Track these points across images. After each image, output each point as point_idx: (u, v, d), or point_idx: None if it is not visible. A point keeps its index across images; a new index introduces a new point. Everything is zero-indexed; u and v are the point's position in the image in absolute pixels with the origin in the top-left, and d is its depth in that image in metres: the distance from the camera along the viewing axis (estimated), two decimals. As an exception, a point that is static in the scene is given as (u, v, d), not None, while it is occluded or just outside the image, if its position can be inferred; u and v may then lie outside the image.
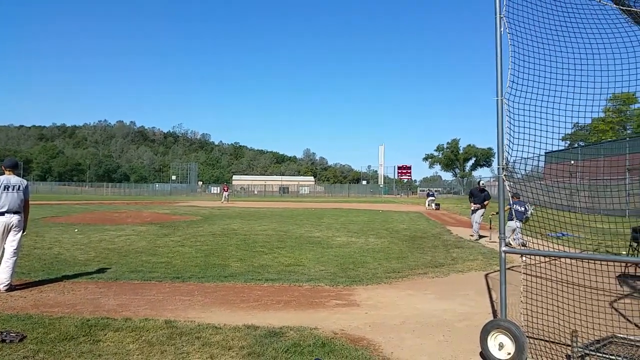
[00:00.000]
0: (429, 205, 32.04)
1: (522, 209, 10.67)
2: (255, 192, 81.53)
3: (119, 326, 4.66)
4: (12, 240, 6.41)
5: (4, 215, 6.32)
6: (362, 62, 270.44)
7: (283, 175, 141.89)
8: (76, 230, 13.95)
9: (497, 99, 3.98)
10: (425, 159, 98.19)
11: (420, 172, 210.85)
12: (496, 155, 4.09)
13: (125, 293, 6.18)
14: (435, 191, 48.45)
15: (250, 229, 14.95)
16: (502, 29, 3.96)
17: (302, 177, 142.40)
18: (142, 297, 5.97)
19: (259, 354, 3.95)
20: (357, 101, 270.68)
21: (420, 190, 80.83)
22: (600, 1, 3.94)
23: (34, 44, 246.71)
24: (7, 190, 6.36)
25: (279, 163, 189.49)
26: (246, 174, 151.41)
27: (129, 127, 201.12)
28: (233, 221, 18.04)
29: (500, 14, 3.98)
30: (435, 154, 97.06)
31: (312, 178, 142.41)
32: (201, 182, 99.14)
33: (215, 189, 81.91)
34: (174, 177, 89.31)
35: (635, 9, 3.93)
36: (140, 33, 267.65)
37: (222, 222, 17.32)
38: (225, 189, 44.56)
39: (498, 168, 4.03)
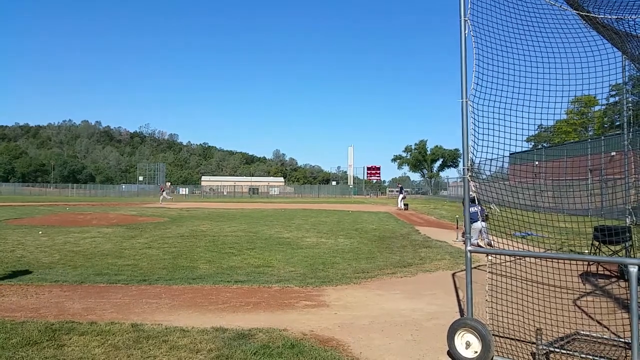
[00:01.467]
0: (401, 203, 31.57)
1: (477, 209, 10.89)
2: (225, 193, 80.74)
3: (84, 330, 4.55)
4: None
5: None
6: (333, 63, 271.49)
7: (252, 176, 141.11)
8: (40, 232, 13.55)
9: (462, 101, 4.05)
10: (394, 159, 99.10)
11: (389, 172, 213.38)
12: (462, 156, 4.16)
13: (90, 296, 6.04)
14: (405, 191, 49.01)
15: (220, 230, 14.81)
16: (466, 32, 4.03)
17: (272, 177, 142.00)
18: (108, 300, 5.85)
19: (227, 356, 3.92)
20: (326, 102, 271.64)
21: (389, 191, 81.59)
22: (560, 6, 4.07)
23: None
24: None
25: (248, 164, 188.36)
26: (215, 175, 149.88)
27: (95, 127, 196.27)
28: (202, 222, 17.83)
29: (464, 17, 4.04)
30: (404, 154, 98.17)
31: (282, 179, 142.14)
32: (169, 183, 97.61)
33: (184, 190, 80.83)
34: (141, 178, 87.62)
35: (593, 14, 4.08)
36: (107, 30, 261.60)
37: (190, 224, 17.10)
38: (162, 188, 42.85)
39: (463, 169, 4.10)
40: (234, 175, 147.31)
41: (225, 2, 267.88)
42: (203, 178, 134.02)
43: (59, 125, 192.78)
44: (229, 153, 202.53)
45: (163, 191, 40.95)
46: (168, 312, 5.34)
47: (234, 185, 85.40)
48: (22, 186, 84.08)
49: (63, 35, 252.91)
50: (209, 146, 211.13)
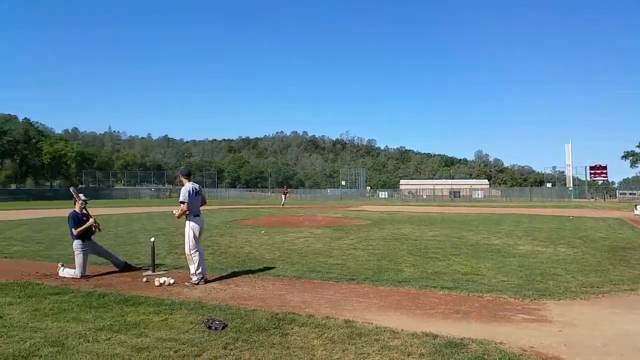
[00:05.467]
0: (638, 208, 26.64)
1: None
2: (424, 197, 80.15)
3: (303, 322, 4.97)
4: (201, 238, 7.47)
5: (198, 216, 7.28)
6: (542, 56, 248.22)
7: (453, 178, 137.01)
8: (262, 231, 15.36)
9: None
10: (625, 156, 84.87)
11: (619, 172, 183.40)
12: None
13: (307, 291, 6.57)
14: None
15: (422, 234, 14.73)
16: None
17: (474, 180, 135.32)
18: (322, 296, 6.28)
19: (439, 362, 3.83)
20: (535, 96, 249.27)
21: (621, 193, 70.27)
22: None
23: (223, 64, 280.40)
24: (197, 195, 7.32)
25: (448, 166, 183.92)
26: (414, 178, 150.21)
27: (302, 136, 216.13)
28: (403, 226, 17.99)
29: None
30: (638, 150, 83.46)
31: (486, 181, 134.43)
32: (369, 187, 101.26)
33: (383, 194, 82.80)
34: (343, 183, 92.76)
35: None
36: (317, 45, 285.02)
37: (391, 227, 17.41)
38: (285, 191, 42.34)
39: None
40: (432, 178, 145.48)
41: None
42: (401, 182, 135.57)
43: (273, 136, 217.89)
44: (426, 156, 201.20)
45: (286, 194, 41.61)
46: (377, 312, 5.48)
47: (434, 189, 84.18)
48: (245, 191, 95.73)
49: (286, 58, 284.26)
50: (406, 150, 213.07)
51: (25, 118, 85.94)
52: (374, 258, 9.65)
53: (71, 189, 8.34)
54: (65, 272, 7.66)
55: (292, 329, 4.75)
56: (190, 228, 7.25)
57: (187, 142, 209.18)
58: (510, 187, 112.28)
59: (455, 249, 11.14)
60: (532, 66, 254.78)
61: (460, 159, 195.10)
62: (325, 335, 4.54)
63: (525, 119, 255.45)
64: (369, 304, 5.84)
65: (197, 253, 7.14)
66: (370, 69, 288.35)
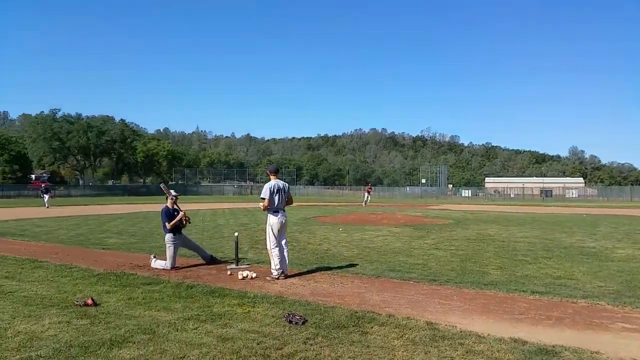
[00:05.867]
0: None
1: None
2: (512, 196, 76.34)
3: (383, 321, 4.88)
4: (284, 234, 7.51)
5: (278, 212, 7.38)
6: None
7: (544, 176, 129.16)
8: (340, 229, 15.40)
9: None
10: None
11: None
12: None
13: (386, 290, 6.46)
14: None
15: (509, 235, 14.01)
16: None
17: (568, 178, 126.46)
18: (403, 296, 6.14)
19: (530, 372, 3.58)
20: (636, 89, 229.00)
21: None
22: None
23: (302, 63, 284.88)
24: (279, 192, 7.41)
25: (538, 163, 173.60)
26: (500, 176, 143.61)
27: (381, 133, 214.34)
28: (488, 226, 17.24)
29: None
30: None
31: (581, 179, 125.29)
32: (451, 185, 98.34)
33: (466, 192, 79.99)
34: (423, 180, 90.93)
35: None
36: (395, 39, 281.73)
37: (476, 227, 16.74)
38: (369, 190, 40.52)
39: None
40: (521, 176, 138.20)
41: None
42: (487, 179, 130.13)
43: (351, 134, 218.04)
44: (515, 152, 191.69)
45: (369, 192, 40.02)
46: (461, 315, 5.26)
47: (523, 187, 79.93)
48: (323, 188, 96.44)
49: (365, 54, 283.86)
50: (493, 146, 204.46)
51: (121, 119, 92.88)
52: (457, 259, 9.32)
53: (161, 185, 8.84)
54: (157, 264, 8.14)
55: (372, 327, 4.68)
56: (269, 224, 7.41)
57: (268, 140, 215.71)
58: (608, 185, 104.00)
59: (546, 251, 10.47)
60: (632, 57, 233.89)
61: (552, 156, 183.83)
62: (406, 336, 4.43)
63: (625, 112, 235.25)
64: (452, 307, 5.63)
65: (277, 248, 7.27)
66: (453, 61, 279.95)
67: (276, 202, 7.37)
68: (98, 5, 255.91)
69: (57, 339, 4.25)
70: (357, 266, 8.36)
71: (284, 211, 7.53)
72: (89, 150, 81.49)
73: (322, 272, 7.80)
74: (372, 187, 42.36)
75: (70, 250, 10.19)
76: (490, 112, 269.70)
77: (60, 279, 6.99)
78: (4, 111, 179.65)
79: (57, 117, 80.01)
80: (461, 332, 4.57)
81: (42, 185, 32.41)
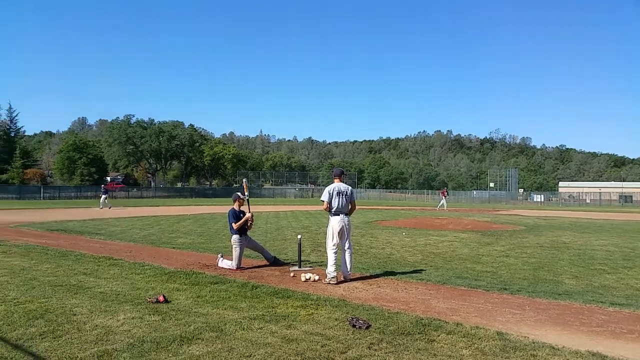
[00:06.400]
0: None
1: None
2: (588, 201, 72.06)
3: (450, 329, 4.71)
4: (348, 238, 7.39)
5: (338, 215, 7.32)
6: None
7: (624, 181, 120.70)
8: (404, 233, 15.15)
9: None
10: None
11: None
12: None
13: (453, 298, 6.26)
14: None
15: (585, 242, 13.18)
16: None
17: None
18: (471, 304, 5.92)
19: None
20: None
21: None
22: None
23: (364, 66, 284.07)
24: (339, 195, 7.35)
25: (617, 167, 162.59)
26: (575, 180, 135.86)
27: (446, 136, 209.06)
28: (563, 233, 16.31)
29: None
30: None
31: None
32: (522, 190, 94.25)
33: (538, 197, 76.36)
34: (492, 184, 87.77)
35: None
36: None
37: (550, 234, 15.89)
38: (444, 193, 38.70)
39: None
40: (598, 181, 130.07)
41: None
42: (560, 184, 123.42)
43: (414, 136, 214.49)
44: (591, 155, 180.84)
45: (444, 196, 38.22)
46: (533, 325, 4.99)
47: (599, 192, 75.19)
48: (385, 192, 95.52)
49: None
50: (567, 149, 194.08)
51: (190, 124, 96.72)
52: (529, 267, 8.88)
53: (244, 181, 9.16)
54: (223, 263, 8.36)
55: (439, 335, 4.53)
56: (330, 226, 7.40)
57: (329, 143, 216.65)
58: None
59: (627, 260, 9.75)
60: None
61: (633, 159, 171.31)
62: (475, 345, 4.25)
63: None
64: (524, 316, 5.35)
65: (334, 252, 7.23)
66: (524, 60, 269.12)
67: (336, 205, 7.32)
68: (166, 12, 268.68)
69: (130, 333, 4.45)
70: (422, 272, 8.17)
71: (347, 215, 7.44)
72: (160, 154, 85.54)
73: (386, 277, 7.69)
74: (446, 191, 40.65)
75: (143, 249, 10.69)
76: (564, 112, 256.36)
77: (133, 277, 7.34)
78: (82, 117, 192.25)
79: (132, 122, 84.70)
80: (534, 343, 4.33)
81: (103, 186, 34.12)
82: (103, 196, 30.28)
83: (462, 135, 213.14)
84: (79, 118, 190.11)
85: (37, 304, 5.50)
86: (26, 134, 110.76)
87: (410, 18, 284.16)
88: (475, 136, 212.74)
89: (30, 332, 4.44)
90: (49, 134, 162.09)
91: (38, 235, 13.34)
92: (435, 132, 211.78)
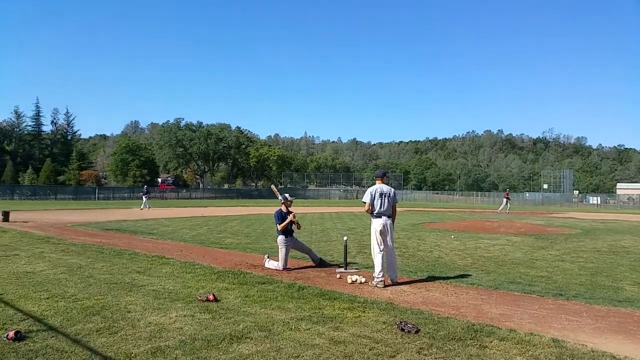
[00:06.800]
0: None
1: None
2: (648, 203, 68.18)
3: (503, 336, 4.56)
4: (391, 240, 7.26)
5: (380, 217, 7.22)
6: None
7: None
8: (452, 236, 14.81)
9: None
10: None
11: None
12: None
13: (506, 303, 6.05)
14: None
15: (647, 247, 12.47)
16: None
17: None
18: (524, 310, 5.70)
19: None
20: None
21: None
22: None
23: (408, 65, 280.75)
24: (381, 197, 7.25)
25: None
26: (635, 182, 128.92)
27: (497, 136, 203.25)
28: (622, 237, 15.49)
29: None
30: None
31: None
32: (577, 191, 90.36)
33: (594, 199, 73.00)
34: (545, 186, 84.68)
35: None
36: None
37: (608, 237, 15.13)
38: (507, 195, 36.69)
39: None
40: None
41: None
42: (618, 185, 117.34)
43: (463, 136, 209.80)
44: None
45: (507, 198, 36.27)
46: (592, 333, 4.75)
47: (661, 194, 71.06)
48: (432, 193, 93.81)
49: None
50: (626, 149, 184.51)
51: (237, 126, 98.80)
52: (587, 272, 8.48)
53: (272, 187, 9.20)
54: (270, 264, 8.45)
55: (491, 342, 4.39)
56: (372, 228, 7.34)
57: (374, 144, 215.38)
58: None
59: (696, 267, 9.14)
60: None
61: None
62: (530, 352, 4.09)
63: None
64: (581, 324, 5.10)
65: (378, 254, 7.14)
66: (577, 56, 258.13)
67: (378, 207, 7.22)
68: (221, 19, 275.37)
69: (182, 331, 4.56)
70: (472, 276, 7.94)
71: (389, 217, 7.30)
72: (208, 156, 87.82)
73: (434, 280, 7.52)
74: (509, 194, 38.75)
75: (193, 249, 10.96)
76: (622, 111, 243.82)
77: (184, 275, 7.54)
78: (135, 120, 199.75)
79: (181, 125, 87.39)
80: (592, 351, 4.13)
81: (145, 187, 35.29)
82: (144, 197, 31.47)
83: (514, 135, 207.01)
84: (131, 121, 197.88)
85: (94, 300, 5.74)
86: (82, 137, 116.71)
87: (458, 16, 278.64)
88: (527, 136, 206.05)
89: (87, 327, 4.63)
90: (104, 137, 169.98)
91: (93, 234, 13.95)
92: (484, 131, 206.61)
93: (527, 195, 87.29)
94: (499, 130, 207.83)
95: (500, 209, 36.46)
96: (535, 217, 29.38)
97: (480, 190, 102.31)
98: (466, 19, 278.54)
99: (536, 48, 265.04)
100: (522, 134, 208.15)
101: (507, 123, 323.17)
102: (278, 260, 8.34)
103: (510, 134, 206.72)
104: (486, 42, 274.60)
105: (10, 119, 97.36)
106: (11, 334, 4.20)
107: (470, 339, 4.46)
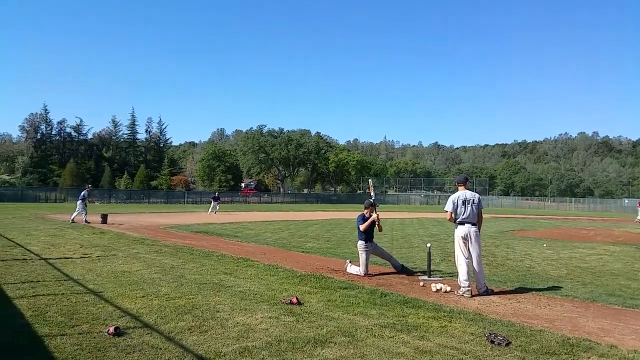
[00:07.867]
0: None
1: None
2: None
3: (603, 352, 4.24)
4: (478, 248, 6.95)
5: (464, 225, 6.95)
6: None
7: None
8: (545, 245, 13.98)
9: None
10: None
11: None
12: None
13: (605, 317, 5.61)
14: None
15: None
16: None
17: None
18: (626, 325, 5.25)
19: None
20: None
21: None
22: None
23: (496, 65, 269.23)
24: (465, 204, 6.96)
25: None
26: None
27: (592, 138, 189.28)
28: None
29: None
30: None
31: None
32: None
33: None
34: (647, 192, 77.47)
35: None
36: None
37: None
38: None
39: None
40: None
41: None
42: None
43: (555, 139, 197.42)
44: None
45: None
46: None
47: None
48: (521, 199, 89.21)
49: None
50: None
51: (316, 132, 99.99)
52: (700, 287, 7.64)
53: (370, 180, 9.34)
54: (351, 269, 8.45)
55: (589, 358, 4.10)
56: (455, 236, 7.10)
57: (457, 148, 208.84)
58: None
59: None
60: None
61: None
62: (636, 373, 3.76)
63: None
64: (694, 344, 4.61)
65: (463, 263, 6.89)
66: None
67: (462, 214, 6.96)
68: (292, 28, 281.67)
69: (268, 332, 4.69)
70: (567, 288, 7.45)
71: (474, 225, 7.00)
72: (289, 161, 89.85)
73: (525, 291, 7.13)
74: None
75: (276, 252, 11.24)
76: None
77: (268, 278, 7.75)
78: (221, 128, 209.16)
79: (264, 132, 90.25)
80: None
81: (216, 193, 36.62)
82: (213, 202, 32.79)
83: (611, 137, 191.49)
84: (218, 129, 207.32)
85: (186, 300, 6.06)
86: (173, 144, 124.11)
87: (553, 11, 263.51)
88: (626, 138, 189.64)
89: (180, 326, 4.90)
90: (192, 144, 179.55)
91: (184, 236, 14.74)
92: (578, 134, 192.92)
93: (627, 201, 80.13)
94: (594, 132, 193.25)
95: (638, 218, 32.56)
96: (636, 225, 26.96)
97: (574, 196, 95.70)
98: (562, 15, 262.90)
99: (630, 41, 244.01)
100: (620, 135, 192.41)
101: (603, 124, 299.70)
102: (359, 266, 8.33)
103: (607, 136, 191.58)
104: (577, 37, 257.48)
105: (108, 127, 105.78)
106: (112, 329, 4.54)
107: (565, 353, 4.19)
